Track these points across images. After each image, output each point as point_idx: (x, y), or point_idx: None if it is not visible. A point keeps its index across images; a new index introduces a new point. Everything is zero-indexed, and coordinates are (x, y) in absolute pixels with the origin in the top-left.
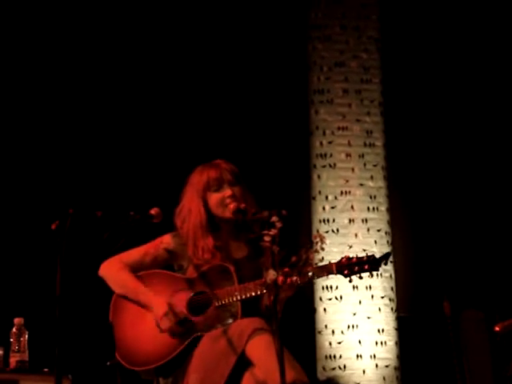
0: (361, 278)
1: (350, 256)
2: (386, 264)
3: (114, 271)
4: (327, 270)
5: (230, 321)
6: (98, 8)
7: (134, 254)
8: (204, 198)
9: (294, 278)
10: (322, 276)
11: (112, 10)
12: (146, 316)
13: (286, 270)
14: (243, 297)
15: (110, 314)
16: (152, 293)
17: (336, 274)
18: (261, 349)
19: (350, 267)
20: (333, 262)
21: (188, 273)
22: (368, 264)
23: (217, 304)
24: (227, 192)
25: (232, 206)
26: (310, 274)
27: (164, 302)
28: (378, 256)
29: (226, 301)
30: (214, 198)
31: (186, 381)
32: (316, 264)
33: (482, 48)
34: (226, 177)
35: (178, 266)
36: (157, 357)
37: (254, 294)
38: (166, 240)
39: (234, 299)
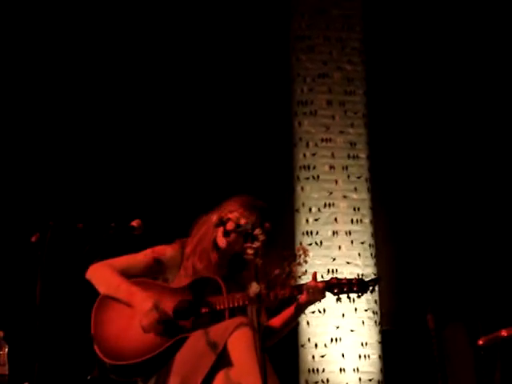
0: (349, 297)
1: (340, 277)
2: (373, 290)
3: (102, 272)
4: None
5: None
6: (93, 10)
7: (123, 260)
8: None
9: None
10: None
11: (103, 15)
12: (132, 314)
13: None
14: (230, 305)
15: (92, 313)
16: (140, 290)
17: (326, 290)
18: (241, 345)
19: (339, 286)
20: (322, 279)
21: (175, 284)
22: (357, 286)
23: (204, 310)
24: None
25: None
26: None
27: (151, 298)
28: (367, 279)
29: (213, 307)
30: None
31: (167, 383)
32: (299, 277)
33: (465, 61)
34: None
35: (163, 279)
36: (139, 353)
37: (241, 303)
38: (159, 250)
39: (222, 307)
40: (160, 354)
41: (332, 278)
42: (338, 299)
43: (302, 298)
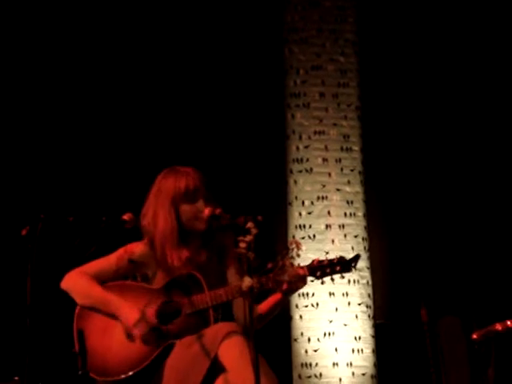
0: (332, 279)
1: (321, 258)
2: (355, 266)
3: (78, 283)
4: None
5: (202, 328)
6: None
7: (97, 265)
8: (177, 207)
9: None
10: None
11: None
12: (114, 325)
13: (263, 279)
14: (214, 303)
15: (74, 326)
16: (122, 300)
17: (308, 275)
18: (234, 353)
19: (321, 269)
20: (304, 265)
21: (155, 282)
22: (339, 265)
23: (187, 311)
24: (206, 210)
25: (207, 211)
26: (282, 276)
27: (135, 308)
28: (348, 258)
29: (197, 308)
30: (187, 209)
31: None
32: None
33: (460, 51)
34: (202, 190)
35: (141, 276)
36: (128, 366)
37: (224, 299)
38: (130, 250)
39: (205, 306)
40: (149, 365)
41: (313, 261)
42: (322, 282)
43: (284, 286)
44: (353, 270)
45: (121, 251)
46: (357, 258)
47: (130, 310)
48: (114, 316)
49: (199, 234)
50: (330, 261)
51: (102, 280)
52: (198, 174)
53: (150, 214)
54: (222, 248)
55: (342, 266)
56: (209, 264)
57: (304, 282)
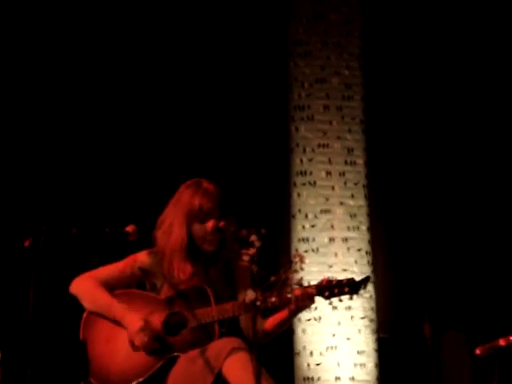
0: (340, 300)
1: (330, 278)
2: (365, 288)
3: (86, 287)
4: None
5: (207, 342)
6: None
7: (107, 271)
8: (189, 223)
9: (273, 299)
10: None
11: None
12: (119, 333)
13: (267, 294)
14: (220, 318)
15: (80, 332)
16: (127, 309)
17: (316, 294)
18: (238, 369)
19: (330, 289)
20: (313, 283)
21: (163, 292)
22: (348, 287)
23: (193, 324)
24: (210, 223)
25: (211, 223)
26: (290, 295)
27: (139, 317)
28: (357, 279)
29: (203, 321)
30: (198, 229)
31: None
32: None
33: (464, 67)
34: (216, 212)
35: (150, 285)
36: (131, 376)
37: (231, 314)
38: (140, 258)
39: (211, 320)
40: (152, 376)
41: (322, 280)
42: (330, 303)
43: (292, 307)
44: (361, 291)
45: (130, 259)
46: (366, 280)
47: (134, 318)
48: (118, 323)
49: (208, 254)
50: (339, 281)
51: (110, 286)
52: (219, 193)
53: (167, 223)
54: (229, 263)
55: (351, 287)
56: (217, 280)
57: (312, 301)
